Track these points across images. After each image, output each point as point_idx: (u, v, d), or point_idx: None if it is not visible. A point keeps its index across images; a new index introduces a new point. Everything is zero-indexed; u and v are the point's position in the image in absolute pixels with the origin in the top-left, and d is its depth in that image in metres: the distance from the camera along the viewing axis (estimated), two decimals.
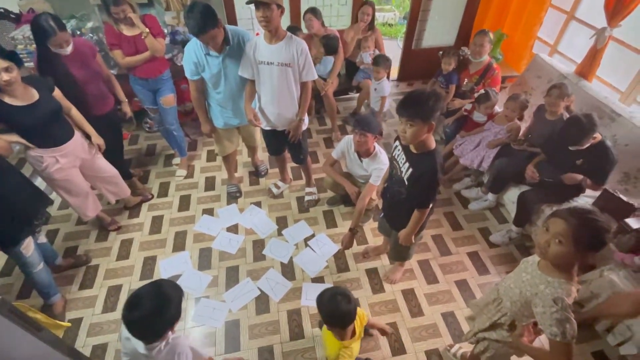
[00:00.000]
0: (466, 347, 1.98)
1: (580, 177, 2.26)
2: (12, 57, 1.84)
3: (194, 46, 2.14)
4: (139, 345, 1.25)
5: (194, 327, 2.18)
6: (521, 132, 2.76)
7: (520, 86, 3.45)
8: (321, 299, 1.57)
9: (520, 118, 2.77)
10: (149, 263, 2.53)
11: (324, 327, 1.70)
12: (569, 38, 3.52)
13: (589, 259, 1.36)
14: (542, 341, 2.00)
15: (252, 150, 3.12)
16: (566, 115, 2.48)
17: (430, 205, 1.75)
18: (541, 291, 1.22)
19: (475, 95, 3.03)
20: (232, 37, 2.13)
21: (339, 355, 1.63)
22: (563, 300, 1.15)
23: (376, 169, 2.31)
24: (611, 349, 2.04)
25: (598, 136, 2.15)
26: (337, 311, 1.52)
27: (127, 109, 2.76)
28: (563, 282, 1.18)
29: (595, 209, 1.13)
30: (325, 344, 1.78)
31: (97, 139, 2.36)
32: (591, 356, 2.05)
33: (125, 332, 1.25)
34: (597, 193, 2.30)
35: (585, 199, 2.43)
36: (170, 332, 1.29)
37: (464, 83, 3.18)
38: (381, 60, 3.20)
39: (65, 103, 2.18)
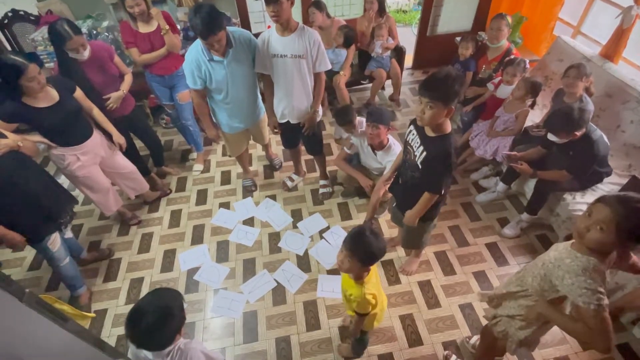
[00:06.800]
0: None
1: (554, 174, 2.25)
2: (33, 58, 1.90)
3: (197, 54, 2.06)
4: (149, 354, 1.25)
5: (213, 317, 2.24)
6: (541, 118, 2.66)
7: (540, 70, 3.32)
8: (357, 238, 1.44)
9: (533, 105, 2.65)
10: (169, 256, 2.60)
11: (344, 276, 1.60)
12: (593, 18, 3.35)
13: (628, 252, 1.29)
14: None
15: (265, 145, 3.13)
16: (586, 98, 2.37)
17: (442, 192, 1.69)
18: (566, 264, 1.16)
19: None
20: (234, 39, 2.08)
21: (363, 298, 1.51)
22: (592, 272, 1.10)
23: (390, 161, 2.28)
24: (637, 342, 1.98)
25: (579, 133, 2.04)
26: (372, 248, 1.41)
27: (117, 100, 2.46)
28: (592, 260, 1.12)
29: None
30: (346, 292, 1.63)
31: (119, 139, 2.41)
32: (616, 349, 1.99)
33: (133, 347, 1.25)
34: (623, 180, 2.21)
35: (611, 186, 2.33)
36: (179, 336, 1.27)
37: (482, 70, 3.08)
38: None
39: (87, 104, 2.24)
